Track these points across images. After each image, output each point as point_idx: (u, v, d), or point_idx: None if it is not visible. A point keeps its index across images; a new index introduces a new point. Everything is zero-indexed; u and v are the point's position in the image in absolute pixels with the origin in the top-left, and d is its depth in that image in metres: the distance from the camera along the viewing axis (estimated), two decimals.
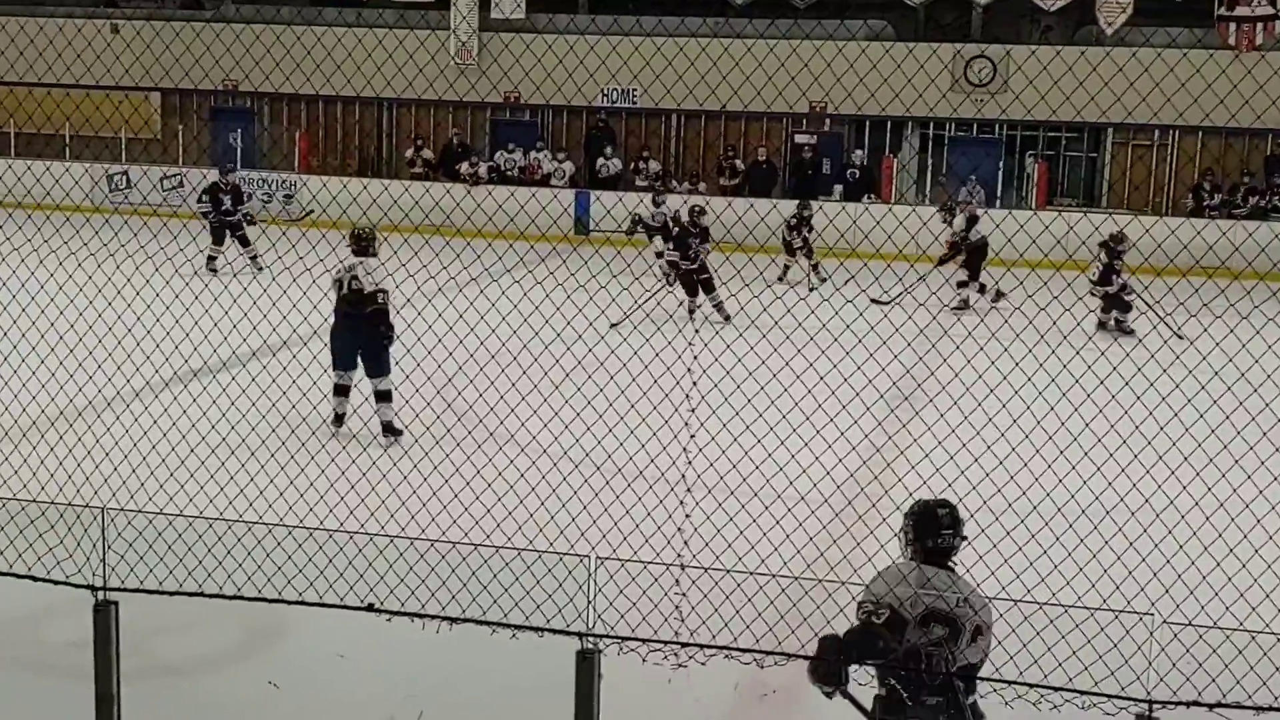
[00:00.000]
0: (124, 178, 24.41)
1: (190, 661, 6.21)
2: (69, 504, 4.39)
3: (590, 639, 4.08)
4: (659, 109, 24.09)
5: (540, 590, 4.20)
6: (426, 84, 22.60)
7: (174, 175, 24.42)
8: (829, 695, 4.15)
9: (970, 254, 16.91)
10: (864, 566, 6.03)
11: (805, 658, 4.06)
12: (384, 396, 10.06)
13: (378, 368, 10.04)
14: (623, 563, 4.15)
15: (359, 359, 10.11)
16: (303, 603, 4.24)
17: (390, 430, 9.95)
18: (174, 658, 6.14)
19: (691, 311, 14.61)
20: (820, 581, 4.61)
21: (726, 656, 4.00)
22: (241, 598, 4.29)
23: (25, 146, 24.58)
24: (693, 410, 4.80)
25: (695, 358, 4.61)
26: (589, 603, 4.07)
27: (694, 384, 4.88)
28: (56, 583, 4.31)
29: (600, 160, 24.05)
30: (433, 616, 4.16)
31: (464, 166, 23.89)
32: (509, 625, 4.13)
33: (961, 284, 16.89)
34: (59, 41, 23.78)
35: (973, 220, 16.95)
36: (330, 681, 5.77)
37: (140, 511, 4.37)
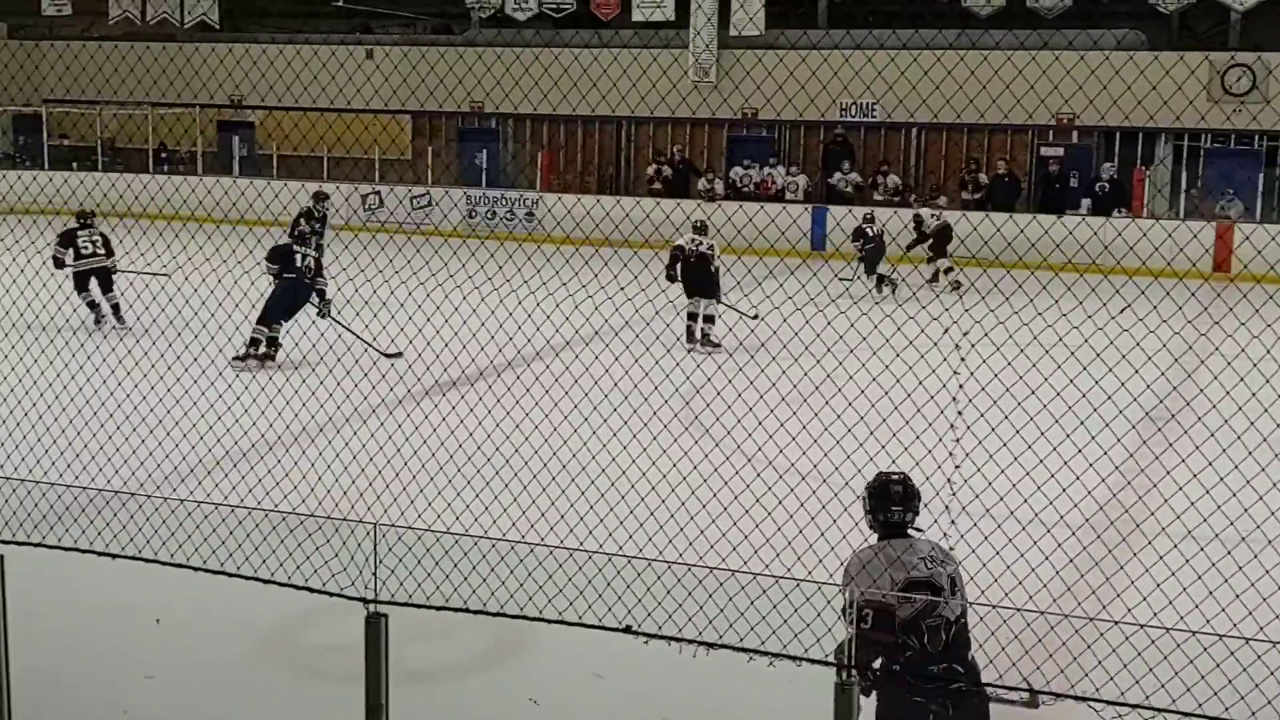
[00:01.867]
0: (376, 197, 25.44)
1: (442, 670, 6.39)
2: (344, 519, 4.56)
3: (848, 671, 4.02)
4: (898, 122, 23.79)
5: (798, 619, 4.16)
6: (663, 101, 22.86)
7: (423, 194, 25.32)
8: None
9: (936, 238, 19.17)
10: (1127, 590, 5.87)
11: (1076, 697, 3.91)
12: None
13: None
14: (884, 595, 4.08)
15: None
16: (563, 622, 4.29)
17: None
18: (426, 664, 6.34)
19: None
20: (1091, 619, 4.44)
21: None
22: (504, 614, 4.37)
23: (286, 168, 25.81)
24: (958, 440, 4.70)
25: (961, 386, 4.52)
26: (849, 634, 4.02)
27: (959, 413, 4.78)
28: (331, 594, 4.47)
29: (838, 175, 23.88)
30: (690, 641, 4.16)
31: (700, 182, 24.07)
32: (766, 653, 4.10)
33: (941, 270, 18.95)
34: (317, 68, 24.98)
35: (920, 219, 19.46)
36: (584, 700, 5.86)
37: (410, 528, 4.52)
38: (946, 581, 4.53)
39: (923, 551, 4.59)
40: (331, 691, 6.12)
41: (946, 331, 4.83)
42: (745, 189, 24.35)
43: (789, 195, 23.92)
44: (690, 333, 14.57)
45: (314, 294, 13.52)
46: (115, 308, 15.74)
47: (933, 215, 19.64)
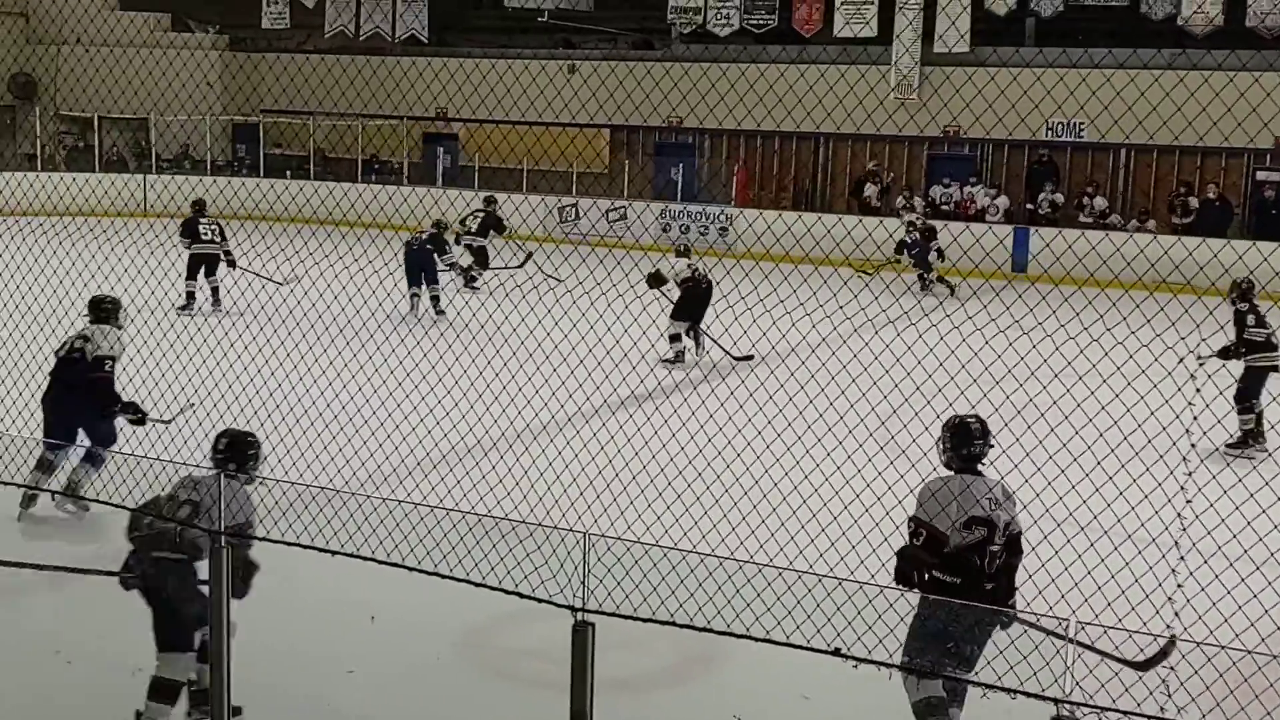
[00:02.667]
0: (574, 209, 25.81)
1: (637, 680, 6.41)
2: (555, 527, 4.61)
3: (1065, 706, 3.90)
4: (1107, 143, 23.11)
5: (1014, 651, 4.06)
6: (865, 117, 22.64)
7: (618, 207, 25.59)
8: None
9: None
10: None
11: None
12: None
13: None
14: (1105, 629, 3.95)
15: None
16: (770, 641, 4.26)
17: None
18: (619, 674, 6.38)
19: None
20: None
21: None
22: (710, 630, 4.36)
23: (487, 179, 26.34)
24: (1189, 474, 4.52)
25: (1195, 418, 4.35)
26: (1067, 668, 3.90)
27: (1192, 445, 4.60)
28: (540, 600, 4.52)
29: (1041, 195, 23.31)
30: (902, 667, 4.09)
31: (899, 200, 23.78)
32: (980, 684, 4.01)
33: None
34: (522, 82, 25.49)
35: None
36: (785, 716, 5.83)
37: (620, 539, 4.55)
38: (1002, 523, 5.08)
39: (988, 490, 5.15)
40: (526, 696, 6.21)
41: (1182, 361, 4.66)
42: (945, 208, 23.95)
43: (989, 216, 23.44)
44: (681, 354, 14.16)
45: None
46: (214, 291, 17.13)
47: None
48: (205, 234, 17.41)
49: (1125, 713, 3.62)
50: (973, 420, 5.39)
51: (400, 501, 4.95)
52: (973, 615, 4.68)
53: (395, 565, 4.79)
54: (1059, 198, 23.19)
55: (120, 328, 8.85)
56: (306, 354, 8.86)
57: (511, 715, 6.07)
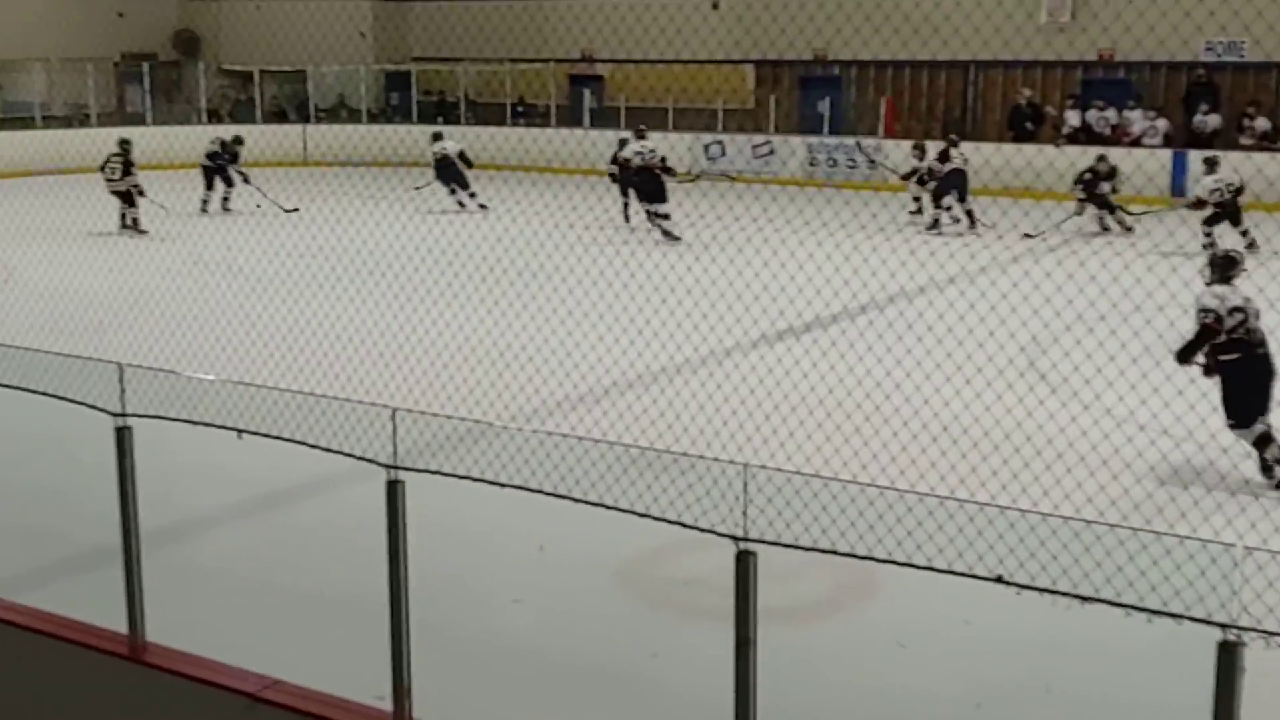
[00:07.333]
0: (719, 146, 25.74)
1: (796, 609, 6.52)
2: (715, 459, 4.71)
3: (1234, 631, 3.88)
4: (1270, 62, 22.21)
5: (1180, 577, 4.04)
6: (1016, 43, 22.12)
7: (764, 143, 25.45)
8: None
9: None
10: None
11: None
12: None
13: None
14: (1273, 554, 3.91)
15: None
16: (932, 569, 4.31)
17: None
18: (777, 603, 6.48)
19: None
20: None
21: None
22: (872, 558, 4.42)
23: (632, 119, 26.42)
24: None
25: None
26: (1234, 593, 3.87)
27: None
28: (703, 530, 4.64)
29: (1197, 117, 22.54)
30: (1065, 594, 4.10)
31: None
32: (1145, 609, 4.00)
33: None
34: (664, 21, 25.45)
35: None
36: (947, 645, 5.90)
37: (780, 470, 4.62)
38: (1253, 310, 7.96)
39: (1242, 293, 8.02)
40: (686, 624, 6.36)
41: None
42: (1101, 133, 23.30)
43: (1147, 140, 22.75)
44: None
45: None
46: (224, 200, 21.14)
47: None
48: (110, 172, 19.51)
49: None
50: (1234, 251, 8.55)
51: (565, 435, 5.10)
52: (1265, 365, 7.86)
53: (561, 497, 4.93)
54: (1215, 118, 22.38)
55: None
56: (487, 294, 9.08)
57: (674, 642, 6.24)
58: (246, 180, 20.82)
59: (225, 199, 21.37)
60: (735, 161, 25.23)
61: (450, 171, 21.30)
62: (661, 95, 26.19)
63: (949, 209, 18.68)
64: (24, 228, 15.61)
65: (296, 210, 19.95)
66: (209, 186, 21.35)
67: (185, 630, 5.36)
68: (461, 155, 21.42)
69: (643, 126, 20.27)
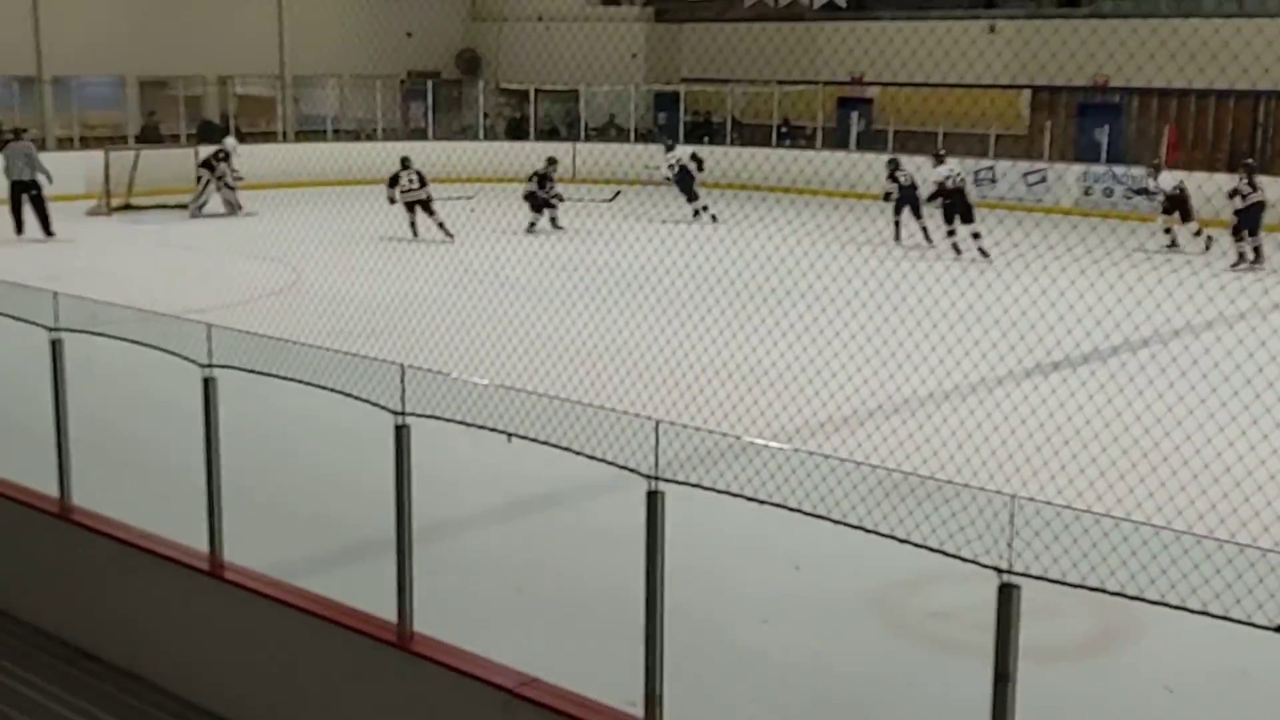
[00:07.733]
0: (989, 172, 25.19)
1: (1055, 648, 6.31)
2: (980, 488, 4.61)
3: None
4: None
5: None
6: None
7: (1038, 170, 24.77)
8: None
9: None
10: None
11: None
12: None
13: None
14: None
15: None
16: (1207, 613, 4.12)
17: None
18: (1037, 641, 6.29)
19: None
20: None
21: None
22: (1143, 599, 4.24)
23: (900, 143, 26.13)
24: None
25: None
26: None
27: None
28: (965, 560, 4.54)
29: None
30: None
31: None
32: None
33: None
34: (936, 44, 25.08)
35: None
36: (1219, 694, 5.64)
37: (1049, 503, 4.50)
38: None
39: None
40: (938, 657, 6.24)
41: None
42: None
43: None
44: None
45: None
46: (440, 225, 20.33)
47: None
48: (407, 183, 20.42)
49: None
50: None
51: (826, 456, 5.08)
52: None
53: (820, 518, 4.91)
54: None
55: None
56: (754, 313, 9.12)
57: (927, 674, 6.14)
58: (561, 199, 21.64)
59: (554, 219, 21.60)
60: (1001, 188, 24.66)
61: (686, 181, 22.20)
62: (930, 119, 25.81)
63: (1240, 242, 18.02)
64: (312, 235, 16.50)
65: (619, 193, 22.39)
66: (535, 210, 21.58)
67: (449, 622, 5.56)
68: (694, 156, 22.50)
69: (941, 150, 20.62)
